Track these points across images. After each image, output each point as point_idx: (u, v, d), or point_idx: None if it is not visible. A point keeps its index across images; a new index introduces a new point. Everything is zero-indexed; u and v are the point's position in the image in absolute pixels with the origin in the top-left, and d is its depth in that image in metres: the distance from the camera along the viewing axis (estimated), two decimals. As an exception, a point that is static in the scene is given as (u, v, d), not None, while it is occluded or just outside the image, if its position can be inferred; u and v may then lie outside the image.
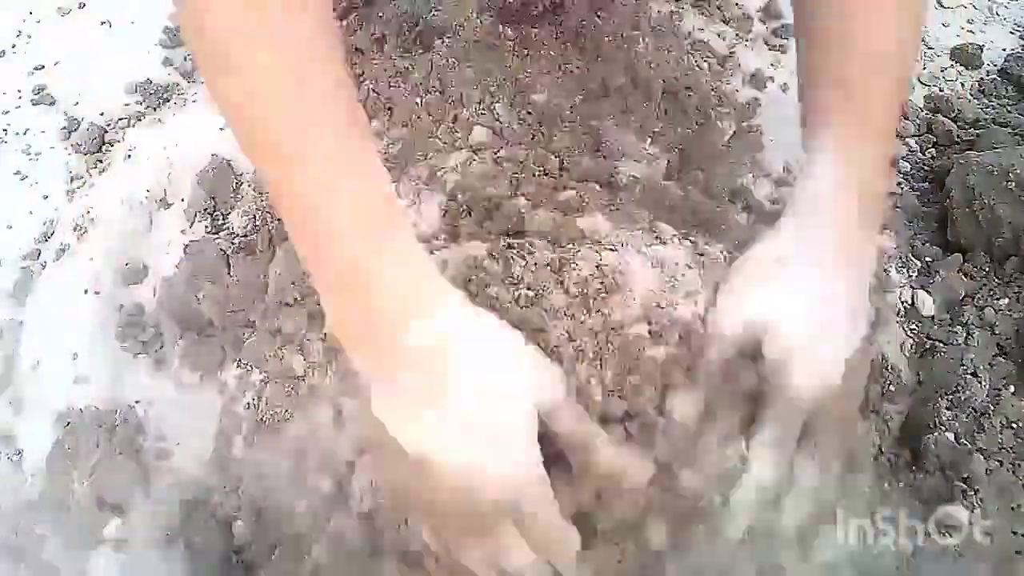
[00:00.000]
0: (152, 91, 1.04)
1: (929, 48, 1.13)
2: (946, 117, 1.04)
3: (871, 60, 0.58)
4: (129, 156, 0.95)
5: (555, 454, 0.55)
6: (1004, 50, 1.13)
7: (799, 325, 0.56)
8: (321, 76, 0.49)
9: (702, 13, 1.01)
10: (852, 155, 0.58)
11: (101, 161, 0.99)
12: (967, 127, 1.03)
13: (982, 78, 1.10)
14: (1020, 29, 1.16)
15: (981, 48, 1.12)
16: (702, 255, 0.65)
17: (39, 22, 1.09)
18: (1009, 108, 1.06)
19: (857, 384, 0.61)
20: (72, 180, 0.99)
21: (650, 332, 0.59)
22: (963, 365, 0.83)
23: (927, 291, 0.87)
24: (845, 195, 0.57)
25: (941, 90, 1.09)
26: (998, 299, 0.87)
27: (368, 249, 0.50)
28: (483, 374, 0.52)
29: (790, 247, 0.58)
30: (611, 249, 0.64)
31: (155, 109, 1.03)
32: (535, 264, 0.62)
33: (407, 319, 0.51)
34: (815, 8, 0.61)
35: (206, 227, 0.92)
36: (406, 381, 0.52)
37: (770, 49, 1.07)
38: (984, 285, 0.88)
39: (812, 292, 0.57)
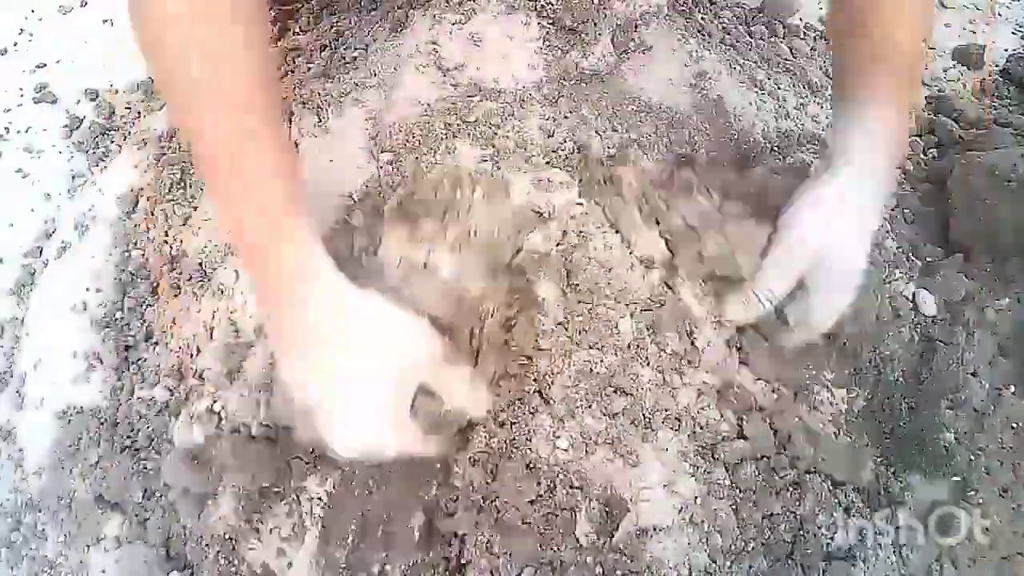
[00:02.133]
0: (154, 89, 1.04)
1: (931, 48, 1.13)
2: (948, 117, 1.04)
3: (896, 21, 0.73)
4: (131, 154, 0.95)
5: None
6: (1006, 50, 1.13)
7: (856, 253, 0.72)
8: (243, 76, 0.58)
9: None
10: (885, 107, 0.72)
11: (103, 159, 0.99)
12: (969, 127, 1.03)
13: (983, 78, 1.10)
14: (1021, 30, 1.16)
15: (983, 49, 1.12)
16: None
17: (41, 20, 1.09)
18: (1010, 108, 1.06)
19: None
20: (74, 178, 0.99)
21: None
22: (963, 365, 0.83)
23: (928, 291, 0.87)
24: (883, 141, 0.72)
25: (942, 90, 1.09)
26: (999, 299, 0.87)
27: (265, 235, 0.60)
28: (363, 349, 0.63)
29: (846, 186, 0.72)
30: None
31: (157, 107, 1.03)
32: None
33: (292, 298, 0.62)
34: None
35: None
36: (296, 348, 0.63)
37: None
38: (985, 285, 0.88)
39: (862, 226, 0.73)
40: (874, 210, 0.74)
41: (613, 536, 0.71)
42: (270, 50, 0.64)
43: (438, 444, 0.68)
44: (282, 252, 0.61)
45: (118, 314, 0.86)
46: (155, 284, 0.87)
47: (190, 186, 0.91)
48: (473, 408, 0.70)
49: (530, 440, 0.73)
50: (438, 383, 0.66)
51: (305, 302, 0.62)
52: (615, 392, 0.75)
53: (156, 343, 0.84)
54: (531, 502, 0.71)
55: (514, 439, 0.73)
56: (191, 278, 0.84)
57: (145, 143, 0.95)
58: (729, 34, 1.03)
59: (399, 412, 0.64)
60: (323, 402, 0.63)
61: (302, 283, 0.62)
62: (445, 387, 0.67)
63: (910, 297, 0.86)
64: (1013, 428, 0.80)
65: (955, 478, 0.79)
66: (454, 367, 0.68)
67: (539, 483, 0.72)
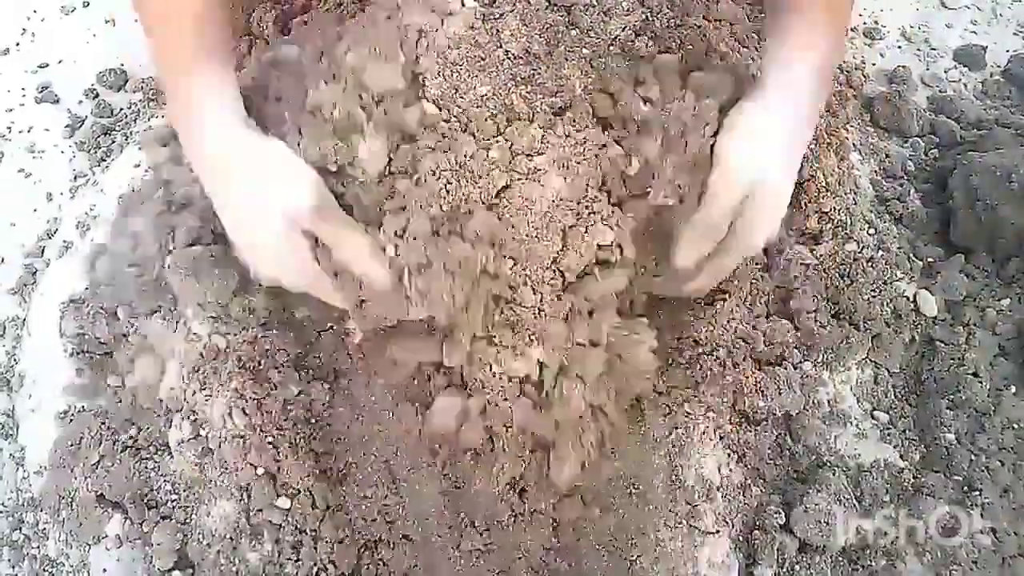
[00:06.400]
0: (155, 88, 1.04)
1: (932, 49, 1.13)
2: (949, 118, 1.04)
3: None
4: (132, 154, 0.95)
5: None
6: (1007, 51, 1.13)
7: (780, 180, 0.71)
8: None
9: None
10: (813, 38, 0.71)
11: (104, 159, 0.99)
12: (970, 128, 1.03)
13: (985, 79, 1.10)
14: (1023, 30, 1.16)
15: (984, 49, 1.12)
16: None
17: (43, 20, 1.10)
18: (1012, 109, 1.06)
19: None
20: (76, 178, 0.99)
21: None
22: (964, 365, 0.83)
23: (929, 291, 0.87)
24: (809, 77, 0.71)
25: (944, 91, 1.09)
26: (999, 300, 0.87)
27: (178, 69, 0.68)
28: (246, 185, 0.68)
29: (774, 120, 0.71)
30: None
31: (159, 106, 1.03)
32: None
33: (190, 127, 0.70)
34: None
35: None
36: (202, 175, 0.71)
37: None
38: (986, 286, 0.88)
39: (785, 155, 0.72)
40: (798, 141, 0.73)
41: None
42: None
43: (344, 294, 0.69)
44: (192, 84, 0.68)
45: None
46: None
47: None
48: (373, 276, 0.67)
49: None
50: (324, 235, 0.67)
51: (202, 132, 0.68)
52: None
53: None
54: None
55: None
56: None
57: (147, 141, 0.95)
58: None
59: (297, 253, 0.67)
60: (230, 231, 0.70)
61: (200, 113, 0.68)
62: (331, 240, 0.67)
63: (911, 297, 0.86)
64: (1014, 428, 0.80)
65: (956, 478, 0.79)
66: (344, 227, 0.67)
67: None
